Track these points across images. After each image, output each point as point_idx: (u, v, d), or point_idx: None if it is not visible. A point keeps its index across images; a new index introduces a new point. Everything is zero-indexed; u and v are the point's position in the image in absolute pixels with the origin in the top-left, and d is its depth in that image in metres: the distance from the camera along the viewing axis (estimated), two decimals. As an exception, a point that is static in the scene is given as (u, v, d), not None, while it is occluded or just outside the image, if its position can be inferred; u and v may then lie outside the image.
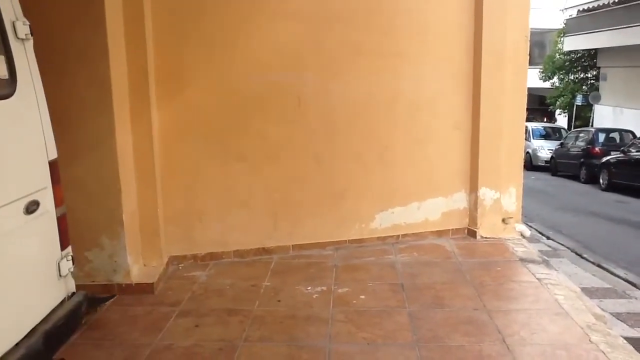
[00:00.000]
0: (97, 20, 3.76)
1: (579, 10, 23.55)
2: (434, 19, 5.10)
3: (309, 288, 4.20)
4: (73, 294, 2.68)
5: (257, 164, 4.82)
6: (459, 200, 5.40)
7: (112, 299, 3.67)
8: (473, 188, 5.33)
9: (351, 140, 5.03)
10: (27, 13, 2.52)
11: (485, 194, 5.31)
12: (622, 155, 14.60)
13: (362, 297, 4.03)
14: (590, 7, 21.99)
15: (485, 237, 5.31)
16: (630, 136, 16.88)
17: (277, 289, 4.21)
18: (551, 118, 28.99)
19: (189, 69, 4.56)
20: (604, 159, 15.22)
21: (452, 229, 5.38)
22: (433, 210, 5.31)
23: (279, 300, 4.00)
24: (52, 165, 2.57)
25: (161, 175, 4.46)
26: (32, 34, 2.49)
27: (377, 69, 5.00)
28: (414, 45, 5.08)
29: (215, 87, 4.64)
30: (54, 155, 2.59)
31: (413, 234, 5.27)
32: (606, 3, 20.34)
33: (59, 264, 2.57)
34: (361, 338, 3.39)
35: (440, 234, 5.35)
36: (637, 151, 14.29)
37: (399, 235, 5.27)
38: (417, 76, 5.13)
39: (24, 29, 2.43)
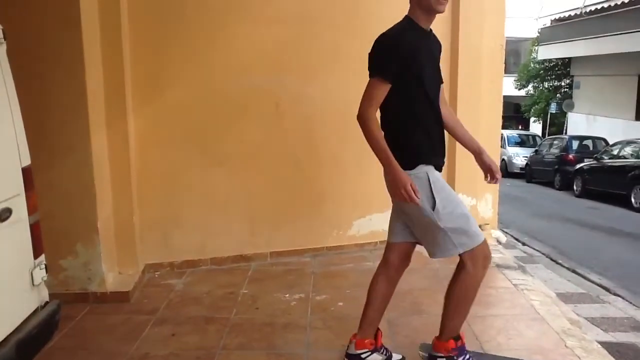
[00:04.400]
0: (72, 23, 3.71)
1: (552, 20, 24.00)
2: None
3: (287, 295, 4.18)
4: (46, 303, 2.63)
5: (236, 169, 4.79)
6: (436, 206, 5.42)
7: None
8: (450, 194, 5.37)
9: (330, 145, 5.03)
10: (0, 17, 2.48)
11: (462, 200, 5.34)
12: (595, 162, 14.86)
13: (340, 304, 4.02)
14: (564, 16, 22.43)
15: (462, 244, 5.33)
16: (603, 143, 17.20)
17: (255, 296, 4.18)
18: (526, 126, 29.42)
19: (167, 72, 4.53)
20: (578, 166, 15.48)
21: (430, 236, 5.40)
22: (411, 216, 5.31)
23: (256, 308, 3.97)
24: (26, 171, 2.52)
25: (137, 180, 4.42)
26: (5, 38, 2.45)
27: (357, 72, 4.94)
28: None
29: (193, 91, 4.61)
30: (27, 161, 2.54)
31: (391, 240, 5.27)
32: (579, 13, 20.76)
33: (31, 272, 2.52)
34: (340, 345, 3.36)
35: (417, 240, 5.36)
36: (609, 158, 14.56)
37: (377, 242, 5.26)
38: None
39: (-4, 33, 2.39)
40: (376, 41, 2.75)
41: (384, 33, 2.76)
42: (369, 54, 2.75)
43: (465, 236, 2.70)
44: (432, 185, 2.68)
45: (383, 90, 2.66)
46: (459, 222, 2.69)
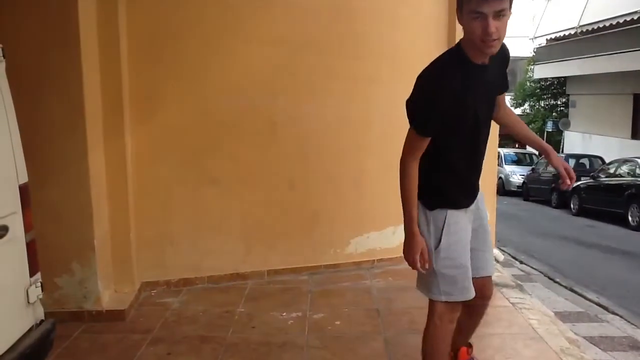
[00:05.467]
0: (71, 42, 3.73)
1: (547, 40, 24.19)
2: (405, 46, 5.16)
3: (284, 314, 4.16)
4: (42, 321, 2.61)
5: (231, 188, 4.79)
6: (434, 224, 5.41)
7: None
8: (447, 213, 5.36)
9: (325, 164, 5.04)
10: (-1, 35, 2.50)
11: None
12: (592, 180, 14.88)
13: (338, 322, 4.00)
14: (559, 36, 22.62)
15: (460, 262, 5.32)
16: (600, 162, 17.25)
17: (251, 315, 4.15)
18: (522, 144, 29.52)
19: (163, 91, 4.55)
20: (575, 185, 15.45)
21: (427, 254, 5.38)
22: (408, 234, 5.30)
23: (253, 327, 3.95)
24: (23, 189, 2.52)
25: (134, 199, 4.41)
26: (4, 57, 2.46)
27: (351, 93, 5.04)
28: (387, 70, 5.14)
29: (189, 110, 4.63)
30: (24, 179, 2.54)
31: (388, 258, 5.26)
32: (573, 33, 20.94)
33: (27, 290, 2.51)
34: (337, 364, 3.36)
35: (415, 258, 5.35)
36: (606, 177, 14.59)
37: (374, 260, 5.27)
38: (390, 101, 5.13)
39: (-5, 51, 2.40)
40: (418, 82, 2.43)
41: (427, 70, 2.42)
42: (412, 94, 2.46)
43: (455, 288, 2.50)
44: (445, 227, 2.47)
45: (424, 142, 2.40)
46: (455, 272, 2.49)
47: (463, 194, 2.56)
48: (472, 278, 2.55)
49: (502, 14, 2.17)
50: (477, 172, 2.61)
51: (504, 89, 2.67)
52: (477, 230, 2.64)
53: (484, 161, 2.61)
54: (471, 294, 2.53)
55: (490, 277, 2.74)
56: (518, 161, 22.42)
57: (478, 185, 2.64)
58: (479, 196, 2.65)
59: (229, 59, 4.68)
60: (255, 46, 4.72)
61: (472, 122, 2.43)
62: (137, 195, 4.44)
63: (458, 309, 2.59)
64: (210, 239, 4.77)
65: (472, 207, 2.61)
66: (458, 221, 2.52)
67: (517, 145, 29.07)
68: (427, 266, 2.45)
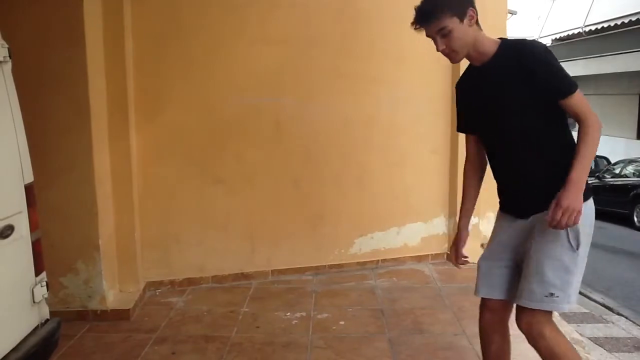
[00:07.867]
0: (76, 42, 3.75)
1: (553, 40, 24.11)
2: (410, 46, 5.14)
3: (288, 314, 4.16)
4: (47, 320, 2.62)
5: (236, 188, 4.80)
6: (438, 225, 5.42)
7: None
8: (452, 213, 5.36)
9: (330, 164, 5.04)
10: (5, 35, 2.50)
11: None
12: (597, 181, 14.82)
13: (342, 322, 4.00)
14: (564, 36, 22.55)
15: (464, 262, 5.31)
16: (605, 162, 17.18)
17: (255, 315, 4.16)
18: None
19: (168, 91, 4.56)
20: (580, 185, 15.42)
21: (432, 254, 5.38)
22: (412, 235, 5.31)
23: (257, 327, 3.95)
24: (28, 189, 2.52)
25: (139, 198, 4.42)
26: (10, 57, 2.47)
27: (355, 93, 5.04)
28: (391, 70, 5.14)
29: (194, 110, 4.63)
30: (30, 179, 2.55)
31: (392, 259, 5.26)
32: (579, 33, 20.88)
33: (32, 289, 2.52)
34: (341, 364, 3.36)
35: (419, 259, 5.35)
36: (611, 177, 14.53)
37: (378, 260, 5.26)
38: (394, 101, 5.17)
39: (2, 51, 2.40)
40: None
41: None
42: None
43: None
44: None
45: (467, 139, 2.63)
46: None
47: (503, 197, 2.55)
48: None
49: (444, 32, 2.28)
50: (516, 181, 2.44)
51: (551, 92, 2.33)
52: (523, 252, 2.46)
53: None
54: (478, 293, 2.68)
55: (523, 308, 2.42)
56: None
57: (529, 199, 2.41)
58: (537, 220, 2.39)
59: (234, 58, 4.69)
60: (260, 46, 4.73)
61: (482, 122, 2.48)
62: (142, 195, 4.45)
63: (484, 307, 2.70)
64: (215, 239, 4.78)
65: (525, 222, 2.43)
66: (498, 224, 2.61)
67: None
68: (460, 261, 2.74)
